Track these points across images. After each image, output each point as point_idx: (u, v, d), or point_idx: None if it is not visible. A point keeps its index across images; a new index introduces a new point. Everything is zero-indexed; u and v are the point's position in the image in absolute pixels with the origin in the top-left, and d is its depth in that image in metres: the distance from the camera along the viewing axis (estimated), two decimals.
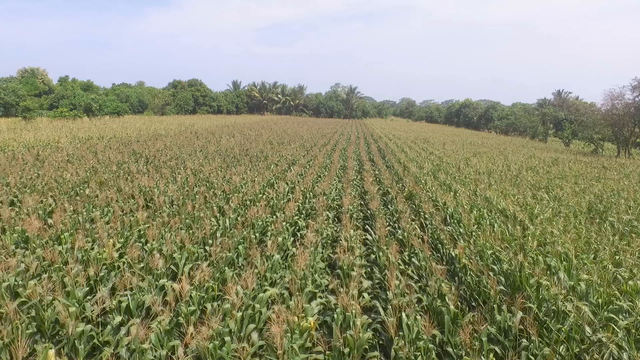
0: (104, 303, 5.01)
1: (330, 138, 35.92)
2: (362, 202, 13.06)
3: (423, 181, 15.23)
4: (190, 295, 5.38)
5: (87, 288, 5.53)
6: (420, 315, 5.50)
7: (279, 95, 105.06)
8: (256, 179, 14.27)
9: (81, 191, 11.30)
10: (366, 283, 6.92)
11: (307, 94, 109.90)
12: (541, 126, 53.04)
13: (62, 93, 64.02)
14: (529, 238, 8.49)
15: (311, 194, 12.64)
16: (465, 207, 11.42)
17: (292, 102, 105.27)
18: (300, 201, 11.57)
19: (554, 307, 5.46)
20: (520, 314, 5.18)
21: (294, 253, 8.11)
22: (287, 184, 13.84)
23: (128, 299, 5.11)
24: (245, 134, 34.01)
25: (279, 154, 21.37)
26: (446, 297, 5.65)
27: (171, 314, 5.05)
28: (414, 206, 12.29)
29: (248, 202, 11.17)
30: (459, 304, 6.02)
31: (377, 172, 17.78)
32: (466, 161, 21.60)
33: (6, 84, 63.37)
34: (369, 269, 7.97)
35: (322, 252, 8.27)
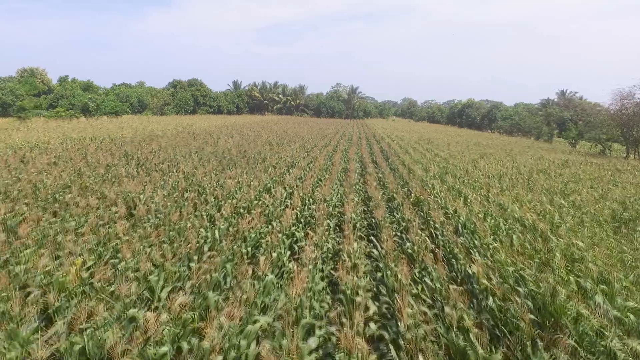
0: (54, 344, 4.08)
1: (331, 139, 34.99)
2: (365, 209, 12.13)
3: (430, 185, 14.30)
4: (163, 332, 4.45)
5: (36, 324, 4.61)
6: (438, 355, 4.57)
7: (280, 95, 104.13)
8: (252, 183, 13.35)
9: (60, 197, 10.39)
10: (372, 307, 6.00)
11: (308, 94, 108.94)
12: (546, 127, 52.01)
13: (62, 93, 63.29)
14: (555, 253, 7.55)
15: (311, 200, 11.71)
16: (479, 215, 10.49)
17: (293, 102, 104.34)
18: (298, 208, 10.65)
19: (602, 347, 4.53)
20: (565, 358, 4.24)
21: (290, 270, 7.20)
22: (285, 188, 12.92)
23: (84, 339, 4.19)
24: (244, 135, 33.10)
25: (277, 156, 20.45)
26: (470, 334, 4.72)
27: (137, 358, 4.12)
28: (422, 214, 11.35)
29: (242, 210, 10.25)
30: (481, 333, 5.10)
31: (380, 176, 16.84)
32: (473, 163, 20.65)
33: (4, 83, 62.57)
34: (375, 289, 7.04)
35: (322, 269, 7.35)
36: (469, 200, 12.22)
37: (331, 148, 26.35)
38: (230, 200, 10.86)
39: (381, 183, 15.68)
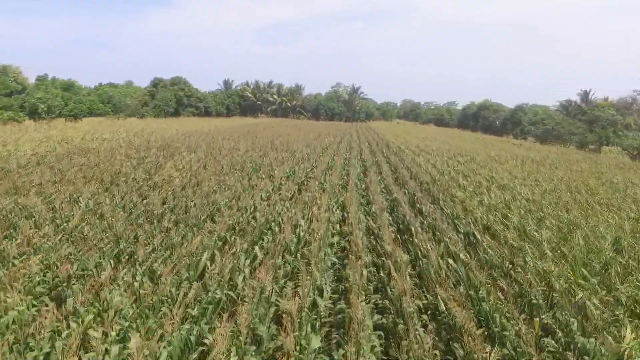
0: None
1: (334, 154, 26.11)
2: None
3: (577, 298, 5.45)
4: None
5: None
6: None
7: (275, 96, 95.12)
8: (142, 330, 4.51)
9: None
10: None
11: (306, 94, 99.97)
12: (590, 134, 43.35)
13: (35, 93, 55.13)
14: None
15: None
16: None
17: (288, 103, 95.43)
18: None
19: None
20: None
21: None
22: None
23: None
24: (215, 147, 24.22)
25: (245, 202, 11.60)
26: None
27: None
28: None
29: None
30: None
31: (451, 262, 7.92)
32: (599, 215, 11.80)
33: None
34: None
35: None
36: None
37: (337, 176, 17.28)
38: None
39: (466, 292, 6.76)
